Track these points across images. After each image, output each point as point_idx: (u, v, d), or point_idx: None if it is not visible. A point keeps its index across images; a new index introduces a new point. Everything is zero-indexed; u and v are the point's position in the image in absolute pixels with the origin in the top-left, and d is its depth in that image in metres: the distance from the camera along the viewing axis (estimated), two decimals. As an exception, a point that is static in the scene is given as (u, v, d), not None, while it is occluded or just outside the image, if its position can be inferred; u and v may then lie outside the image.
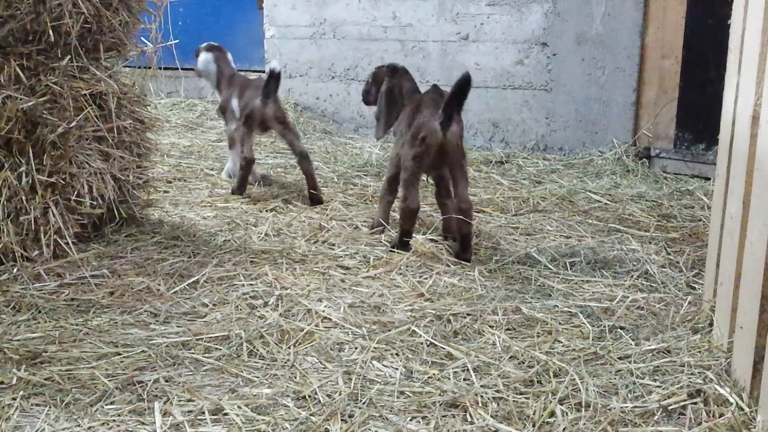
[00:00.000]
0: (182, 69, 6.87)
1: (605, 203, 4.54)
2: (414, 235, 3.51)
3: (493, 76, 5.90)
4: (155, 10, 3.63)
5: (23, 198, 2.93)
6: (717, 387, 2.07)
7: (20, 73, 2.94)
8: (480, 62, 5.96)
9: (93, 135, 3.23)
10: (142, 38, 3.69)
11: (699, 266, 3.35)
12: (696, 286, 3.12)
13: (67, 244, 3.04)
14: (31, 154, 2.96)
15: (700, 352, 2.36)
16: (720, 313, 2.39)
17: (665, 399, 2.09)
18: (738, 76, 2.34)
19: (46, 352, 2.40)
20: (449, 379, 2.28)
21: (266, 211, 4.07)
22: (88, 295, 2.83)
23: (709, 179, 5.19)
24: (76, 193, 3.11)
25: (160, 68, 5.07)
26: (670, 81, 5.41)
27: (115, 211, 3.37)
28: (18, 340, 2.47)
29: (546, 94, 5.75)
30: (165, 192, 4.37)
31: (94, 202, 3.18)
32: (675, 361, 2.30)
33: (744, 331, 2.08)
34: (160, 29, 3.73)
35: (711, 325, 2.49)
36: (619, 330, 2.62)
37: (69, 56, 3.06)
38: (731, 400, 2.00)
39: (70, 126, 3.03)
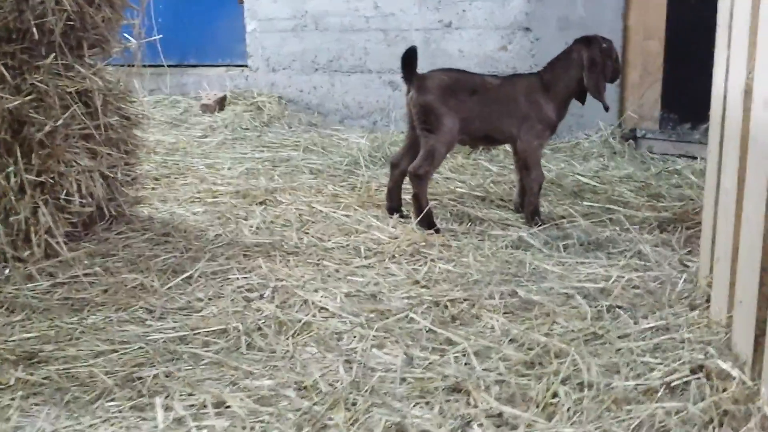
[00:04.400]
0: (168, 66, 6.82)
1: (594, 185, 4.54)
2: (412, 221, 3.51)
3: (476, 62, 5.89)
4: (137, 5, 3.59)
5: (12, 198, 2.90)
6: (719, 362, 2.08)
7: (5, 73, 2.90)
8: (463, 49, 5.95)
9: (80, 133, 3.20)
10: (125, 35, 3.66)
11: (691, 244, 3.36)
12: (689, 263, 3.13)
13: (57, 243, 3.00)
14: (18, 154, 2.92)
15: (699, 327, 2.37)
16: (717, 289, 2.39)
17: (667, 375, 2.09)
18: (728, 51, 2.35)
19: (43, 351, 2.37)
20: (450, 363, 2.27)
21: (256, 204, 4.05)
22: (82, 294, 2.80)
23: (696, 158, 5.22)
24: (65, 192, 3.08)
25: (144, 66, 5.03)
26: (654, 62, 5.42)
27: (105, 209, 3.33)
28: (13, 341, 2.44)
29: (531, 80, 5.74)
30: (153, 189, 4.34)
31: (84, 201, 3.15)
32: (675, 338, 2.31)
33: (743, 306, 2.09)
34: (143, 25, 3.70)
35: (708, 301, 2.50)
36: (616, 309, 2.63)
37: (53, 54, 3.01)
38: (734, 374, 2.00)
39: (57, 124, 2.99)
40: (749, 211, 2.07)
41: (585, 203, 4.12)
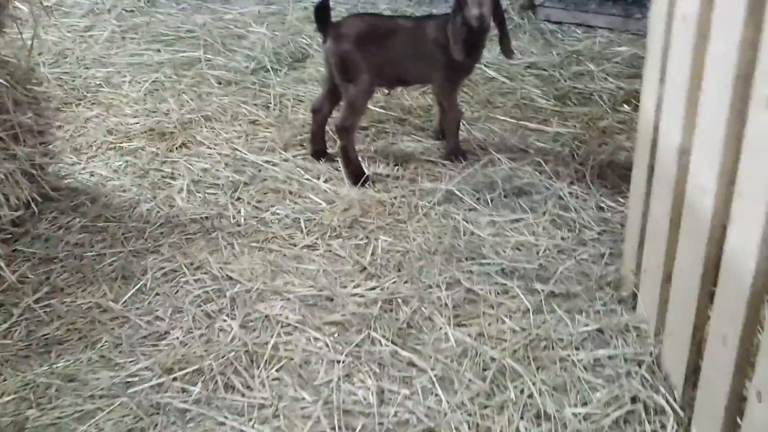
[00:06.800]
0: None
1: (502, 83, 4.66)
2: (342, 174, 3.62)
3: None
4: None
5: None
6: (653, 394, 2.41)
7: None
8: None
9: (-6, 138, 3.04)
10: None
11: (602, 178, 3.66)
12: (605, 208, 3.45)
13: (0, 268, 2.96)
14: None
15: (630, 334, 2.68)
16: (645, 297, 2.68)
17: (610, 404, 2.42)
18: (660, 89, 2.45)
19: (28, 418, 2.47)
20: (419, 396, 2.52)
21: (176, 149, 3.98)
22: (42, 329, 2.82)
23: (592, 28, 5.37)
24: (-6, 208, 2.99)
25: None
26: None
27: (33, 205, 3.23)
28: (-6, 408, 2.52)
29: (429, -53, 5.57)
30: (59, 127, 4.13)
31: (14, 212, 3.07)
32: (611, 355, 2.61)
33: (675, 342, 2.39)
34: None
35: (635, 298, 2.79)
36: (553, 301, 2.89)
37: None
38: (667, 409, 2.35)
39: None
40: (686, 246, 2.31)
41: (498, 116, 4.27)
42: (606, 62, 4.85)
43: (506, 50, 3.72)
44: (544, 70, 4.82)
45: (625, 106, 4.35)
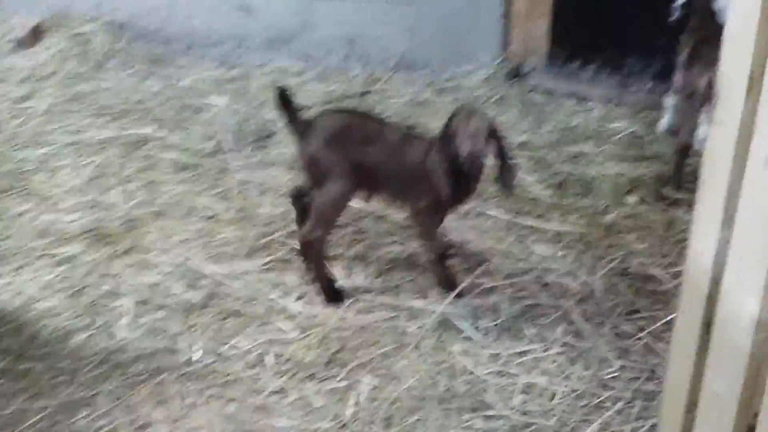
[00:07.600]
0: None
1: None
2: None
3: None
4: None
5: None
6: None
7: None
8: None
9: None
10: None
11: (614, 293, 3.17)
12: (621, 335, 2.96)
13: None
14: None
15: None
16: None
17: None
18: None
19: None
20: None
21: (119, 257, 3.40)
22: None
23: (585, 100, 4.91)
24: None
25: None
26: (543, -8, 4.90)
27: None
28: None
29: (407, 7, 5.09)
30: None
31: None
32: None
33: None
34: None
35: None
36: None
37: None
38: None
39: None
40: None
41: (490, 209, 3.75)
42: (604, 142, 4.36)
43: (507, 185, 3.04)
44: (537, 149, 4.33)
45: (629, 198, 3.86)
